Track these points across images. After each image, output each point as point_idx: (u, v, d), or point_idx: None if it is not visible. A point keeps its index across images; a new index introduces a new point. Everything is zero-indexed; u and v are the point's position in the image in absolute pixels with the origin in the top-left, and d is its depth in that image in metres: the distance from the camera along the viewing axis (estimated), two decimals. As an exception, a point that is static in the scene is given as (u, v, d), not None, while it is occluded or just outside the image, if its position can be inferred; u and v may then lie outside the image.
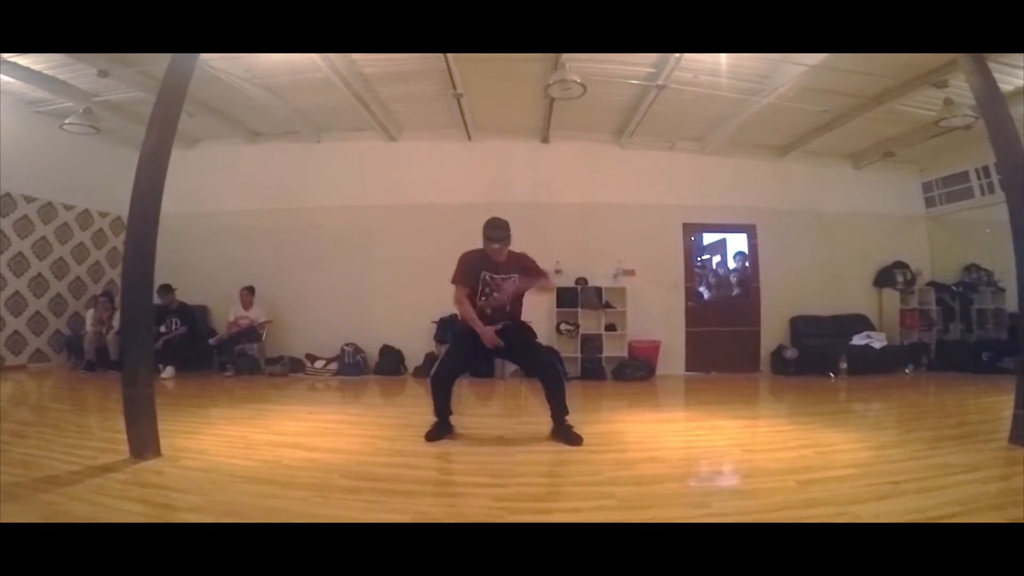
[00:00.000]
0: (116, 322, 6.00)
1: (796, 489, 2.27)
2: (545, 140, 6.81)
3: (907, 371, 6.50)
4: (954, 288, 7.25)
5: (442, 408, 3.23)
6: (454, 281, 3.19)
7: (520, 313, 3.31)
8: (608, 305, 6.61)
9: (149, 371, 2.83)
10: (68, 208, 6.59)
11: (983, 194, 6.71)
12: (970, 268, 7.36)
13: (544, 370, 3.25)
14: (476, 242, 3.16)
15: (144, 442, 2.67)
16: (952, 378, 6.03)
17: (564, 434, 3.14)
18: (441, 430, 3.19)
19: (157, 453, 2.69)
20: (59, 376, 5.79)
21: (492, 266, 3.17)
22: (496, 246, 3.11)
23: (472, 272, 3.16)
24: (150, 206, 2.77)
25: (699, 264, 7.16)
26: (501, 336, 3.14)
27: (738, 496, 2.23)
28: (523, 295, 3.27)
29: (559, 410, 3.20)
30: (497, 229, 3.11)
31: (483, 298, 3.17)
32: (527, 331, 3.34)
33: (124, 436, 2.68)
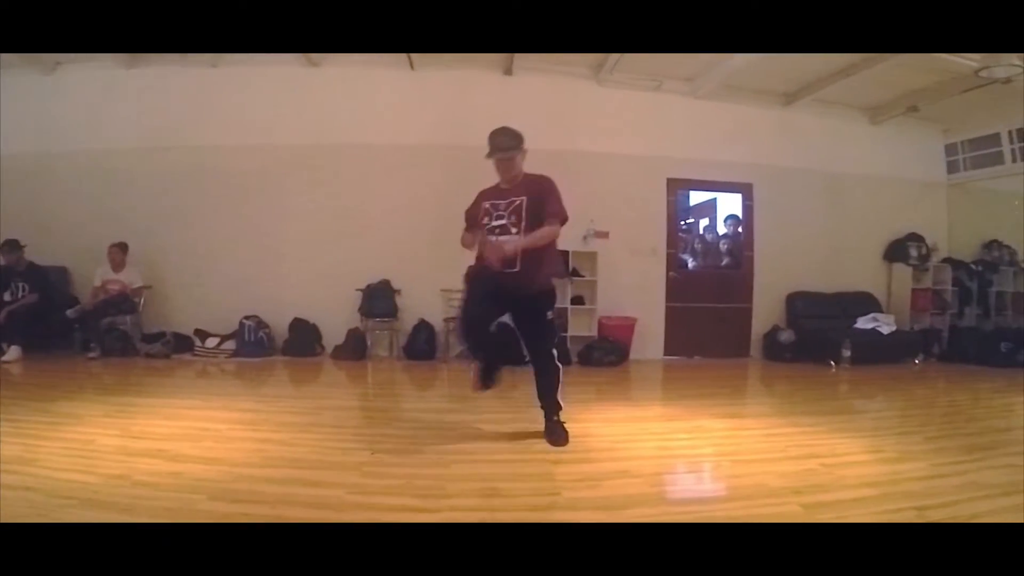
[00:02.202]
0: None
1: (801, 515, 2.16)
2: (508, 72, 6.54)
3: (916, 361, 6.57)
4: (972, 266, 7.38)
5: (486, 354, 3.07)
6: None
7: (539, 263, 2.93)
8: (575, 273, 6.40)
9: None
10: None
11: (1015, 160, 6.80)
12: (991, 245, 7.52)
13: (538, 353, 3.05)
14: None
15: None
16: (966, 371, 6.14)
17: (549, 430, 3.05)
18: (489, 375, 3.09)
19: (-35, 465, 2.34)
20: None
21: (496, 192, 2.99)
22: (497, 155, 2.90)
23: (476, 203, 3.05)
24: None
25: (684, 228, 7.05)
26: (504, 291, 2.87)
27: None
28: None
29: (550, 406, 3.09)
30: (500, 136, 2.91)
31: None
32: (540, 295, 3.01)
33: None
